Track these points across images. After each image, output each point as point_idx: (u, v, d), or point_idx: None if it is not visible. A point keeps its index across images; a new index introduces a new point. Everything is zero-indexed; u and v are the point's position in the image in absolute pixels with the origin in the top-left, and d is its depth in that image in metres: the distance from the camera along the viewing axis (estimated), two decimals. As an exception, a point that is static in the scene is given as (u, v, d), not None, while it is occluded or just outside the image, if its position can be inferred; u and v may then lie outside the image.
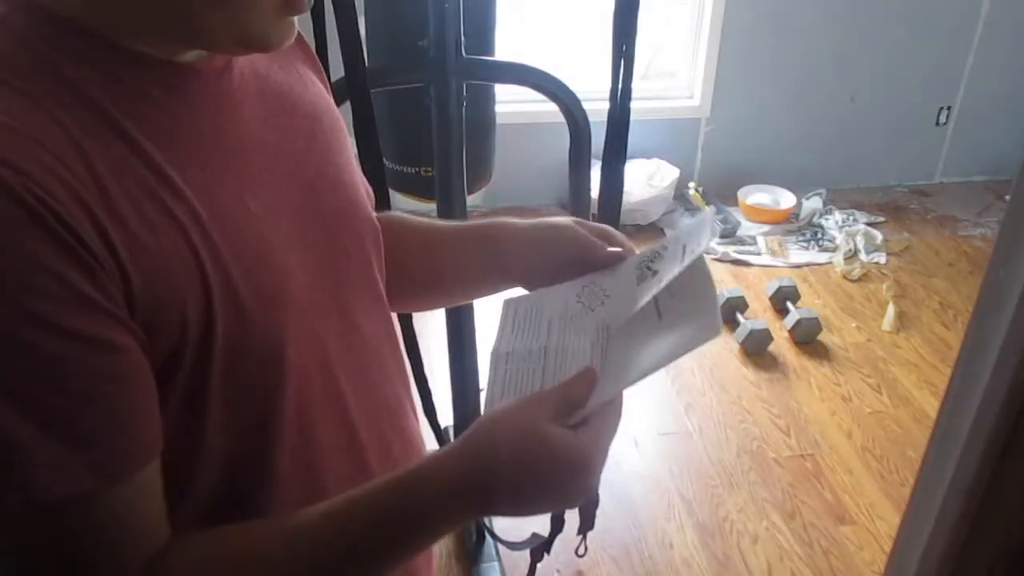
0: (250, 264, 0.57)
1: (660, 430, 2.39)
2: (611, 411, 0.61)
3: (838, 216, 3.52)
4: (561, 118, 1.69)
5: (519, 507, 0.59)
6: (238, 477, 0.61)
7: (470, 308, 1.80)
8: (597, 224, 0.79)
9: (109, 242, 0.49)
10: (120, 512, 0.52)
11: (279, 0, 0.54)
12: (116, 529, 0.52)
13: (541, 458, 0.57)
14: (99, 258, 0.48)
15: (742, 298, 2.89)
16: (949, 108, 3.73)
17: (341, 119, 0.73)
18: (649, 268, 0.73)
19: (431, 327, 2.75)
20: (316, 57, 0.74)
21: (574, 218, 0.79)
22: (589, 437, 0.58)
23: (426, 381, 1.66)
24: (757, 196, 3.54)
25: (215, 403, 0.57)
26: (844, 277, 3.17)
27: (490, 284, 0.85)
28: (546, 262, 0.77)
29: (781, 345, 2.78)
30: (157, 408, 0.53)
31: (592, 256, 0.75)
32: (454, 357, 1.87)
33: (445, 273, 0.86)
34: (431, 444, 1.96)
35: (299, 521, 0.59)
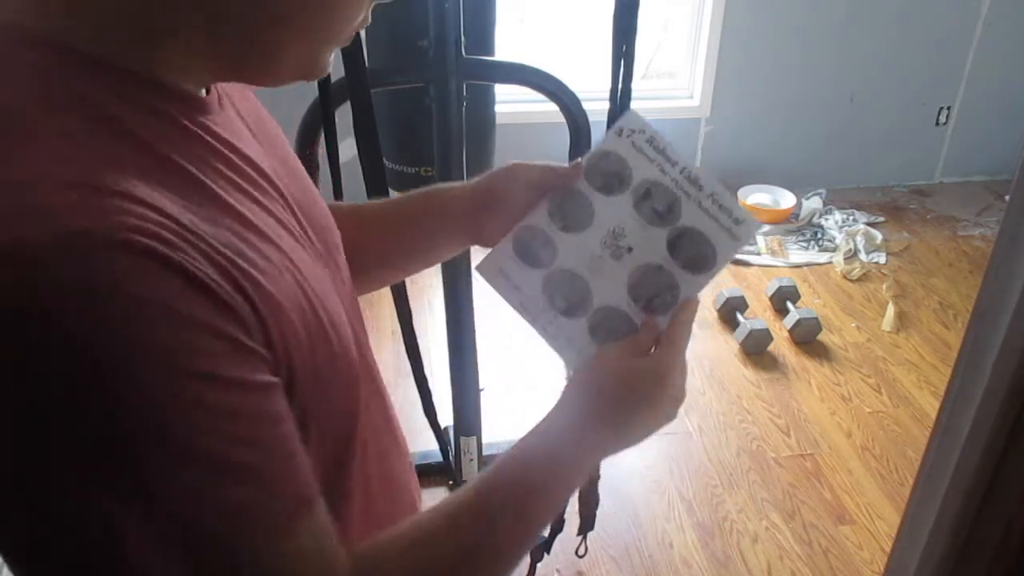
0: (317, 287, 0.56)
1: (660, 430, 2.39)
2: (676, 327, 0.71)
3: (838, 216, 3.53)
4: (561, 118, 1.69)
5: (626, 433, 0.70)
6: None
7: (470, 309, 1.80)
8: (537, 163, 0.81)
9: (243, 292, 0.47)
10: (313, 544, 0.51)
11: (348, 35, 0.55)
12: (316, 561, 0.52)
13: (631, 385, 0.68)
14: (239, 308, 0.47)
15: (742, 298, 2.90)
16: (949, 108, 3.73)
17: None
18: (616, 176, 0.77)
19: (431, 327, 2.75)
20: None
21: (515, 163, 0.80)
22: (663, 353, 0.70)
23: (426, 381, 1.66)
24: (757, 196, 3.54)
25: (312, 436, 0.56)
26: (844, 277, 3.17)
27: (442, 249, 0.88)
28: (496, 211, 0.79)
29: (781, 345, 2.78)
30: None
31: (552, 178, 0.78)
32: (454, 357, 1.87)
33: (392, 249, 0.85)
34: (428, 444, 1.96)
35: (454, 502, 0.62)
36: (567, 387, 0.70)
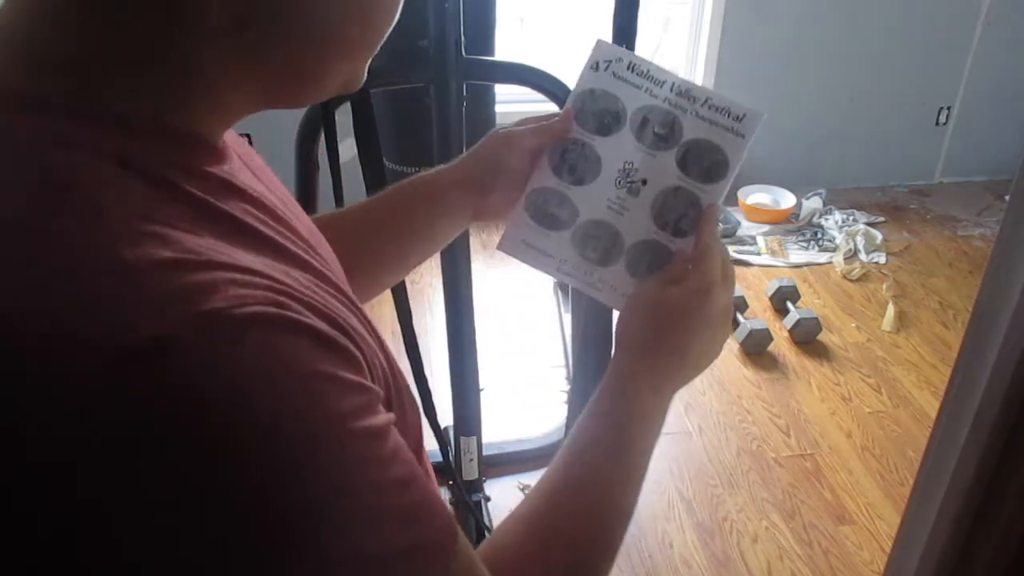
0: (368, 318, 0.55)
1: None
2: (702, 240, 0.69)
3: (838, 216, 3.53)
4: (561, 118, 1.69)
5: (686, 356, 0.67)
6: None
7: (470, 309, 1.80)
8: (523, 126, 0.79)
9: (347, 335, 0.46)
10: (468, 562, 0.51)
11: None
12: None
13: (674, 309, 0.66)
14: (353, 352, 0.45)
15: (742, 298, 2.90)
16: (949, 108, 3.73)
17: None
18: (609, 114, 0.75)
19: (431, 327, 2.75)
20: None
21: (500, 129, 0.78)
22: (697, 270, 0.67)
23: (426, 381, 1.66)
24: (757, 196, 3.54)
25: None
26: (844, 277, 3.17)
27: (440, 236, 0.85)
28: (496, 184, 0.78)
29: (781, 345, 2.78)
30: None
31: (547, 138, 0.76)
32: (454, 357, 1.87)
33: (387, 249, 0.83)
34: (428, 444, 1.96)
35: (548, 482, 0.62)
36: (616, 335, 0.70)
